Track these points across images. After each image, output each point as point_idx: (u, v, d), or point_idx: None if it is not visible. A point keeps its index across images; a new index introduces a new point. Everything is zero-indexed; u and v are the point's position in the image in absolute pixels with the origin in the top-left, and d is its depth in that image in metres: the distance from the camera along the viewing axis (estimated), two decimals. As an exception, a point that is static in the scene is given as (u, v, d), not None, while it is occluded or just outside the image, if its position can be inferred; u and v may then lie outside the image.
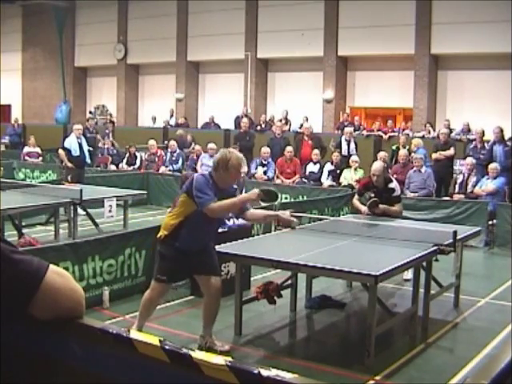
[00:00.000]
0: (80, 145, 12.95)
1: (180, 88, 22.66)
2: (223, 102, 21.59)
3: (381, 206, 7.95)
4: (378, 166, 8.26)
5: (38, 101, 26.24)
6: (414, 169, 12.17)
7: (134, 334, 1.32)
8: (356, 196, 8.65)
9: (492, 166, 11.51)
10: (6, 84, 25.34)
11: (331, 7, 19.25)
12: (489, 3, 16.47)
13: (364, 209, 8.17)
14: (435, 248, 6.06)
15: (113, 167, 16.57)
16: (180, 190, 5.23)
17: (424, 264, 6.25)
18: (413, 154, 12.76)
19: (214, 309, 5.49)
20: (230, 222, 7.35)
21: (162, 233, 5.44)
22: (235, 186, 5.57)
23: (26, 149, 17.98)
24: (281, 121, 18.00)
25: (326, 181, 13.29)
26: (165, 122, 21.23)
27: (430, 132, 16.40)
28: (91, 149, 14.55)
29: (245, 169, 6.10)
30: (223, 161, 5.24)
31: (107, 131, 18.85)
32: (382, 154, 13.18)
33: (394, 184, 8.21)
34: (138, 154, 16.15)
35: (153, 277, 5.61)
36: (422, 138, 15.15)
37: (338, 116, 19.15)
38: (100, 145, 17.44)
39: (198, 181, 5.21)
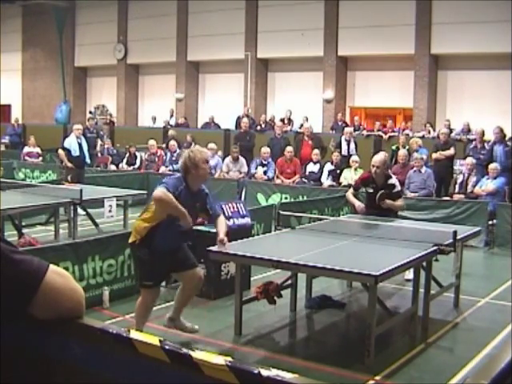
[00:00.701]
0: (80, 145, 12.95)
1: (180, 88, 22.67)
2: (223, 102, 21.59)
3: (387, 200, 7.82)
4: (379, 157, 8.10)
5: (38, 101, 26.25)
6: (414, 169, 12.17)
7: (134, 334, 1.32)
8: (351, 190, 8.41)
9: (492, 166, 11.51)
10: (6, 84, 25.34)
11: (331, 7, 19.25)
12: (489, 3, 16.47)
13: (359, 204, 8.00)
14: (435, 248, 6.06)
15: (113, 167, 16.58)
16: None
17: (424, 264, 6.24)
18: (415, 154, 12.74)
19: (192, 296, 5.69)
20: (230, 222, 7.35)
21: (135, 237, 5.37)
22: (206, 190, 5.56)
23: (26, 149, 17.98)
24: (283, 120, 18.01)
25: (326, 181, 13.29)
26: (165, 122, 21.23)
27: (429, 132, 16.40)
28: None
29: (210, 160, 6.09)
30: (190, 160, 5.27)
31: (102, 133, 18.74)
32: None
33: (393, 180, 8.10)
34: (137, 154, 16.16)
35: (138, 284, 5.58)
36: (422, 137, 15.15)
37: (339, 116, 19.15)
38: (98, 146, 17.33)
39: (167, 180, 5.35)
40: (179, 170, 5.59)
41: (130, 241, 5.41)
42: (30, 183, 12.68)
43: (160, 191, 5.09)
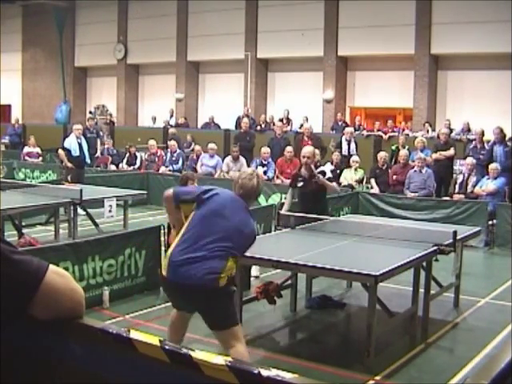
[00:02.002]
0: (80, 145, 12.95)
1: (180, 88, 22.67)
2: (223, 101, 21.59)
3: (320, 176, 7.62)
4: (309, 148, 7.99)
5: (38, 101, 26.25)
6: (415, 169, 12.17)
7: (134, 334, 1.32)
8: (289, 190, 8.10)
9: (492, 166, 11.51)
10: (6, 84, 25.33)
11: (331, 7, 19.25)
12: (489, 3, 16.47)
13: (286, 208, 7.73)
14: (435, 248, 6.07)
15: (113, 167, 16.57)
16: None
17: (424, 264, 6.25)
18: (419, 153, 12.75)
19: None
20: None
21: (225, 279, 4.30)
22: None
23: (26, 149, 17.98)
24: (282, 121, 18.00)
25: (326, 181, 13.27)
26: (165, 122, 21.23)
27: (428, 132, 16.39)
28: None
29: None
30: (259, 187, 4.74)
31: (101, 133, 18.65)
32: (382, 154, 13.19)
33: (324, 168, 8.05)
34: (138, 154, 16.16)
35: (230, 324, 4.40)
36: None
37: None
38: (99, 147, 17.28)
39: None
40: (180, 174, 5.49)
41: (222, 284, 4.27)
42: (29, 183, 12.68)
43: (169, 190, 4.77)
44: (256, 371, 1.18)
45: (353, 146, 14.13)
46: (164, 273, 4.40)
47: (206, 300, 4.29)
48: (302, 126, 17.40)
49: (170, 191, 4.65)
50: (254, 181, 4.55)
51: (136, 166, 15.86)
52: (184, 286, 4.25)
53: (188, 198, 4.57)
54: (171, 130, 18.01)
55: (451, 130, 15.20)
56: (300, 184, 7.79)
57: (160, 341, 1.28)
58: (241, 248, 4.47)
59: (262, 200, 12.81)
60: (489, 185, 11.35)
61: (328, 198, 11.56)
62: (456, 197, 11.71)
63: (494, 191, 11.23)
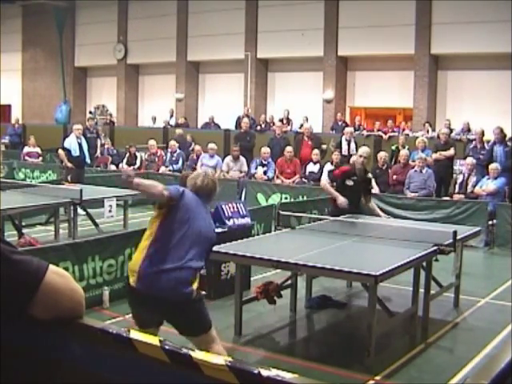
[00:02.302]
0: (80, 145, 12.96)
1: (180, 88, 22.66)
2: (223, 102, 21.59)
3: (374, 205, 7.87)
4: (367, 148, 8.02)
5: (38, 101, 26.25)
6: (415, 168, 12.17)
7: (134, 334, 1.32)
8: (327, 180, 8.01)
9: (493, 166, 11.51)
10: (6, 84, 25.32)
11: (331, 7, 19.24)
12: (489, 3, 16.46)
13: (343, 199, 7.55)
14: (435, 248, 6.07)
15: (113, 167, 16.57)
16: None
17: (424, 264, 6.25)
18: (420, 153, 12.75)
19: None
20: (230, 222, 7.35)
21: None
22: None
23: (26, 149, 17.98)
24: (282, 121, 18.01)
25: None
26: (165, 122, 21.23)
27: (428, 132, 16.39)
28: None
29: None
30: (216, 188, 4.54)
31: (102, 134, 18.56)
32: (382, 154, 13.19)
33: (370, 175, 8.12)
34: (138, 154, 16.16)
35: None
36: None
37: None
38: (99, 147, 17.26)
39: None
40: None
41: (194, 294, 4.17)
42: (30, 183, 12.68)
43: None
44: (256, 371, 1.18)
45: (353, 145, 14.13)
46: (132, 283, 4.12)
47: (179, 312, 4.15)
48: (301, 126, 17.40)
49: (164, 192, 4.11)
50: (209, 181, 4.42)
51: (136, 166, 15.85)
52: (156, 299, 4.02)
53: (177, 196, 4.21)
54: (178, 131, 17.94)
55: (451, 130, 15.19)
56: (350, 183, 7.68)
57: (160, 341, 1.28)
58: (207, 252, 4.39)
59: (261, 200, 12.82)
60: (489, 185, 11.36)
61: (329, 198, 11.59)
62: (456, 197, 11.72)
63: (494, 191, 11.23)
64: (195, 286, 4.16)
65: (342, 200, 7.59)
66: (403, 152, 13.09)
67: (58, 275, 1.42)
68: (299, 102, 19.79)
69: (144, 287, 4.05)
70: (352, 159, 7.96)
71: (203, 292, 4.46)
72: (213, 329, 4.35)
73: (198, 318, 4.24)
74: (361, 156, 7.78)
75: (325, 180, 8.09)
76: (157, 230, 4.14)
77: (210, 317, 4.40)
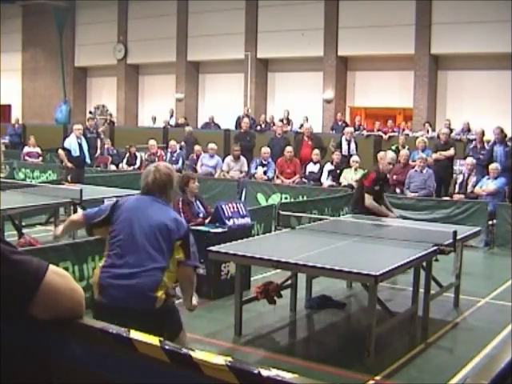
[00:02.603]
0: (80, 145, 12.95)
1: (180, 88, 22.66)
2: (223, 102, 21.59)
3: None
4: (394, 154, 8.56)
5: (38, 101, 26.25)
6: (416, 168, 12.17)
7: (134, 334, 1.32)
8: (369, 196, 8.08)
9: (493, 166, 11.51)
10: (6, 84, 25.32)
11: (331, 7, 19.25)
12: (489, 3, 16.46)
13: (393, 215, 8.19)
14: (435, 248, 6.07)
15: (113, 167, 16.57)
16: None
17: (424, 264, 6.25)
18: (420, 153, 12.75)
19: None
20: (230, 222, 7.35)
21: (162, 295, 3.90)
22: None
23: (26, 149, 17.97)
24: (282, 121, 18.01)
25: (326, 181, 13.29)
26: (165, 122, 21.23)
27: (428, 132, 16.39)
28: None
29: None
30: (170, 177, 4.20)
31: (102, 136, 18.48)
32: (382, 154, 13.17)
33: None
34: (138, 154, 16.16)
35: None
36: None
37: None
38: (98, 148, 17.24)
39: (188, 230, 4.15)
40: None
41: (160, 303, 3.87)
42: (30, 183, 12.67)
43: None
44: (256, 371, 1.18)
45: (353, 145, 14.12)
46: (96, 296, 3.93)
47: (146, 323, 3.45)
48: (302, 126, 17.40)
49: (78, 215, 4.38)
50: (160, 175, 4.11)
51: (136, 166, 15.86)
52: (119, 311, 3.74)
53: (99, 220, 4.16)
54: (187, 128, 17.87)
55: (451, 130, 15.19)
56: (377, 187, 8.15)
57: (160, 341, 1.28)
58: (170, 242, 3.92)
59: (261, 200, 12.83)
60: (489, 185, 11.36)
61: (329, 198, 11.61)
62: (456, 197, 11.71)
63: (494, 191, 11.22)
64: (162, 294, 3.84)
65: (391, 215, 8.25)
66: (403, 152, 13.09)
67: (58, 275, 1.42)
68: (299, 101, 19.79)
69: (107, 298, 3.86)
70: (380, 166, 8.37)
71: (174, 300, 4.06)
72: (183, 332, 4.18)
73: (167, 328, 3.87)
74: (390, 163, 8.24)
75: (370, 199, 8.09)
76: (108, 243, 4.03)
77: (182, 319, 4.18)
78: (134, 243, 3.91)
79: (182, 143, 16.67)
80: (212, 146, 14.68)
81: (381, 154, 9.03)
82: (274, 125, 17.47)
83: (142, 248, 3.88)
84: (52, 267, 1.41)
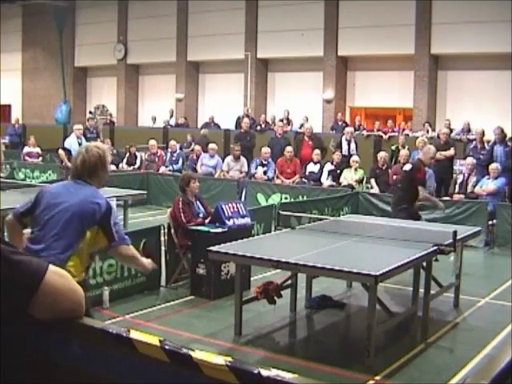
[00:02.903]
0: (80, 145, 12.94)
1: (180, 88, 22.67)
2: (223, 102, 21.59)
3: None
4: (434, 148, 9.07)
5: (38, 101, 26.25)
6: (415, 168, 12.15)
7: (134, 334, 1.32)
8: (422, 189, 8.65)
9: (493, 166, 11.50)
10: (6, 84, 25.33)
11: (331, 7, 19.25)
12: (489, 3, 16.47)
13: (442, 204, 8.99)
14: (435, 248, 6.06)
15: (113, 167, 16.55)
16: None
17: (424, 264, 6.25)
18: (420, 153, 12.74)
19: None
20: (230, 222, 7.35)
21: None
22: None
23: (26, 149, 17.98)
24: (282, 121, 18.00)
25: (326, 181, 13.29)
26: (165, 122, 21.23)
27: (428, 132, 16.39)
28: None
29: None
30: (101, 158, 3.97)
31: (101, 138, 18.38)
32: (382, 154, 13.19)
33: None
34: (138, 154, 16.16)
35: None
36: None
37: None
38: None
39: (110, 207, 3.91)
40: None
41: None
42: (30, 183, 12.67)
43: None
44: (256, 371, 1.18)
45: (353, 145, 14.12)
46: None
47: None
48: (302, 125, 17.40)
49: (9, 216, 4.28)
50: (85, 156, 3.92)
51: (136, 166, 15.86)
52: None
53: (26, 208, 4.10)
54: (203, 131, 17.70)
55: (451, 130, 15.19)
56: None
57: (160, 341, 1.28)
58: (85, 224, 3.75)
59: (261, 200, 12.83)
60: (489, 185, 11.35)
61: (329, 198, 11.61)
62: (456, 197, 11.71)
63: (495, 191, 11.22)
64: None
65: (441, 206, 9.06)
66: (403, 152, 13.08)
67: (58, 275, 1.42)
68: (299, 102, 19.79)
69: None
70: (425, 159, 8.82)
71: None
72: None
73: None
74: (432, 158, 8.78)
75: (424, 191, 8.68)
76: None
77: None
78: (48, 229, 3.78)
79: (197, 146, 16.04)
80: (212, 146, 14.67)
81: (425, 148, 9.30)
82: (274, 125, 17.45)
83: (55, 234, 3.74)
84: (52, 267, 1.42)
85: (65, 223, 3.75)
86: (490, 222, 10.67)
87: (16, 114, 25.59)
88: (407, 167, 10.29)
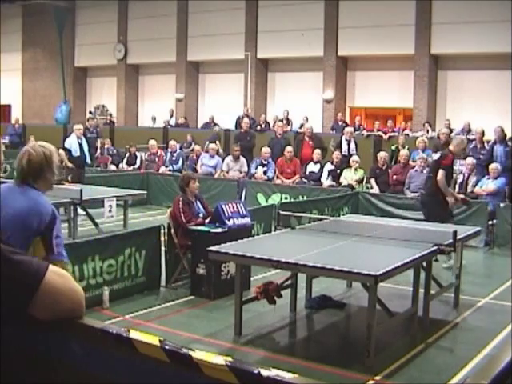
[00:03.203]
0: (80, 145, 12.96)
1: (180, 88, 22.67)
2: (223, 102, 21.59)
3: None
4: (466, 141, 9.41)
5: (38, 101, 26.25)
6: (416, 168, 12.17)
7: (134, 334, 1.32)
8: (443, 172, 8.67)
9: (493, 166, 11.51)
10: (6, 84, 25.33)
11: (331, 7, 19.25)
12: (489, 3, 16.47)
13: (452, 202, 8.84)
14: (435, 248, 6.07)
15: (113, 167, 16.57)
16: None
17: (424, 264, 6.24)
18: (421, 153, 12.74)
19: None
20: (230, 222, 7.35)
21: None
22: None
23: (26, 149, 17.93)
24: (282, 121, 18.00)
25: (326, 181, 13.29)
26: (165, 122, 21.23)
27: (428, 132, 16.39)
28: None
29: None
30: (47, 158, 3.69)
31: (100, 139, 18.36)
32: (382, 154, 13.19)
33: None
34: (138, 154, 16.17)
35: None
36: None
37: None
38: (98, 148, 17.23)
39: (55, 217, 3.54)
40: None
41: None
42: (30, 183, 12.65)
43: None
44: (256, 371, 1.18)
45: (353, 145, 14.12)
46: None
47: None
48: (302, 125, 17.39)
49: None
50: (31, 156, 3.68)
51: (136, 166, 15.86)
52: None
53: None
54: (216, 129, 17.74)
55: (451, 130, 15.19)
56: (451, 169, 9.01)
57: (160, 341, 1.28)
58: (27, 238, 3.40)
59: (261, 200, 12.83)
60: (489, 185, 11.35)
61: (329, 198, 11.61)
62: (456, 197, 11.70)
63: (495, 191, 11.22)
64: None
65: (453, 201, 8.92)
66: (403, 152, 13.08)
67: (58, 275, 1.42)
68: (299, 102, 19.79)
69: None
70: (456, 150, 8.98)
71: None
72: None
73: None
74: (463, 149, 9.19)
75: (443, 175, 8.71)
76: None
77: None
78: None
79: (197, 146, 15.93)
80: (212, 146, 14.67)
81: (458, 139, 9.51)
82: (274, 125, 17.44)
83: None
84: (52, 267, 1.41)
85: (9, 232, 3.29)
86: (490, 222, 10.67)
87: (16, 114, 25.59)
88: (436, 156, 10.35)
